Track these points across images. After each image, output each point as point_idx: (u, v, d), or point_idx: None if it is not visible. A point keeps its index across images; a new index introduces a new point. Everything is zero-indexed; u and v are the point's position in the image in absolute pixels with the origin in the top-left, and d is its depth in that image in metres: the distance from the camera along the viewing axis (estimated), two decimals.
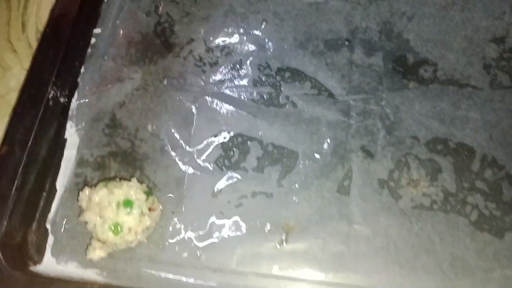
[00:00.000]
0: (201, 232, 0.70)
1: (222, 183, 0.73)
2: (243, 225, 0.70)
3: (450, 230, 0.68)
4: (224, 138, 0.76)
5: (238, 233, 0.70)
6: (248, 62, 0.82)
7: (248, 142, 0.76)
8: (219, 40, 0.84)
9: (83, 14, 0.85)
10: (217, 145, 0.76)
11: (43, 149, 0.75)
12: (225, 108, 0.78)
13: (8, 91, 0.82)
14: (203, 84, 0.80)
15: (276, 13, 0.85)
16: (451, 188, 0.71)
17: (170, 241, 0.70)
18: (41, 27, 0.87)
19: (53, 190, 0.74)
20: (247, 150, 0.75)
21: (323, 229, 0.69)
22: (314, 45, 0.82)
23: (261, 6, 0.86)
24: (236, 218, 0.71)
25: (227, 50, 0.83)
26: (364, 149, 0.74)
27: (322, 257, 0.68)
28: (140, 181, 0.72)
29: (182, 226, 0.71)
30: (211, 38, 0.84)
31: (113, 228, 0.65)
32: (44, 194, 0.74)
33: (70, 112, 0.79)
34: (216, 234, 0.70)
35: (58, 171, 0.75)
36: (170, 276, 0.68)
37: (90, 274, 0.68)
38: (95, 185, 0.70)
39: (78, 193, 0.70)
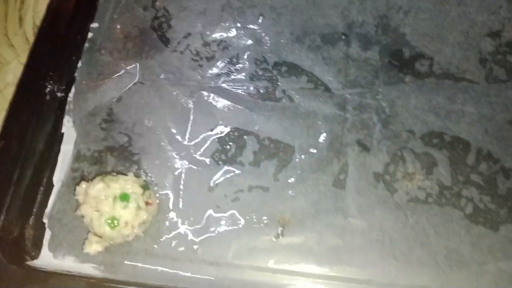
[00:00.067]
0: (197, 226, 0.71)
1: (218, 177, 0.73)
2: (239, 219, 0.71)
3: (445, 223, 0.69)
4: (221, 132, 0.76)
5: (235, 227, 0.70)
6: (245, 56, 0.82)
7: (245, 136, 0.76)
8: (216, 35, 0.84)
9: (80, 8, 0.85)
10: (213, 139, 0.76)
11: (40, 143, 0.75)
12: (222, 102, 0.78)
13: (5, 85, 0.82)
14: (200, 78, 0.80)
15: (273, 7, 0.85)
16: (446, 181, 0.71)
17: (167, 235, 0.70)
18: (38, 22, 0.87)
19: (50, 185, 0.74)
20: (244, 145, 0.75)
21: (319, 222, 0.70)
22: (311, 39, 0.82)
23: (258, 0, 0.86)
24: (233, 212, 0.71)
25: (224, 45, 0.83)
26: (360, 143, 0.74)
27: (318, 250, 0.69)
28: (137, 176, 0.72)
29: (179, 220, 0.71)
30: (208, 33, 0.84)
31: (109, 222, 0.65)
32: (41, 188, 0.74)
33: (67, 107, 0.79)
34: (213, 228, 0.70)
35: (55, 166, 0.75)
36: (167, 270, 0.68)
37: (87, 268, 0.68)
38: (92, 180, 0.71)
39: (75, 187, 0.71)
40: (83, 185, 0.69)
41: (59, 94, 0.79)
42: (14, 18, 0.89)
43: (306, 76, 0.79)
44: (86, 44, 0.84)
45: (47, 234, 0.71)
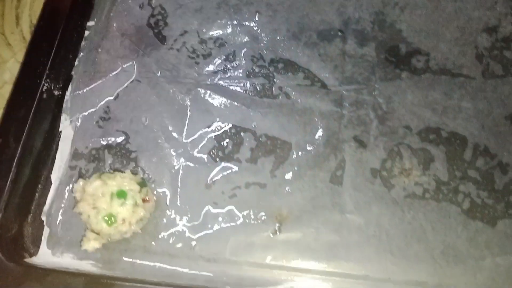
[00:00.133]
0: (195, 223, 0.71)
1: (216, 174, 0.74)
2: (236, 216, 0.71)
3: (442, 218, 0.69)
4: (218, 129, 0.76)
5: (232, 223, 0.71)
6: (241, 53, 0.82)
7: (242, 133, 0.76)
8: (213, 32, 0.84)
9: (77, 6, 0.85)
10: (210, 136, 0.76)
11: (38, 142, 0.76)
12: (219, 99, 0.78)
13: (2, 84, 0.82)
14: (196, 75, 0.80)
15: (269, 4, 0.85)
16: (443, 177, 0.71)
17: (165, 232, 0.70)
18: (35, 20, 0.87)
19: (48, 183, 0.74)
20: (241, 141, 0.75)
21: (316, 218, 0.70)
22: (307, 36, 0.82)
23: None
24: (230, 208, 0.71)
25: (220, 42, 0.83)
26: (356, 139, 0.74)
27: (315, 246, 0.69)
28: (135, 173, 0.73)
29: (177, 217, 0.71)
30: (204, 30, 0.84)
31: (106, 219, 0.65)
32: (39, 186, 0.74)
33: (64, 105, 0.79)
34: (210, 224, 0.71)
35: (53, 164, 0.75)
36: (165, 266, 0.69)
37: (85, 265, 0.69)
38: (89, 178, 0.71)
39: (73, 185, 0.71)
40: (81, 182, 0.70)
41: (56, 92, 0.79)
42: (11, 16, 0.89)
43: (303, 73, 0.79)
44: (83, 42, 0.85)
45: (45, 231, 0.71)
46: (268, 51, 0.82)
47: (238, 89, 0.79)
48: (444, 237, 0.68)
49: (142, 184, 0.70)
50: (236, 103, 0.78)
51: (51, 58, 0.80)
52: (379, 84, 0.77)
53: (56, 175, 0.75)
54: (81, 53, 0.84)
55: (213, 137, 0.76)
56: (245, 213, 0.71)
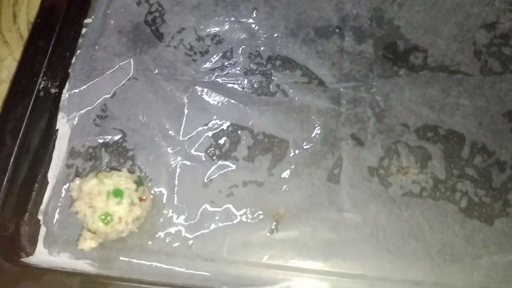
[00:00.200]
0: (192, 222, 0.71)
1: (213, 173, 0.73)
2: (233, 214, 0.71)
3: (440, 217, 0.69)
4: (215, 127, 0.76)
5: (229, 222, 0.70)
6: (239, 50, 0.82)
7: (239, 131, 0.76)
8: (210, 29, 0.84)
9: (74, 4, 0.85)
10: (207, 134, 0.76)
11: (35, 140, 0.75)
12: (216, 97, 0.78)
13: (0, 82, 0.82)
14: (193, 73, 0.80)
15: (267, 1, 0.85)
16: (440, 175, 0.71)
17: (161, 231, 0.70)
18: (32, 18, 0.87)
19: (45, 181, 0.74)
20: (238, 140, 0.75)
21: (313, 217, 0.70)
22: (305, 33, 0.82)
23: None
24: (227, 207, 0.71)
25: (217, 39, 0.83)
26: (354, 137, 0.74)
27: (312, 245, 0.69)
28: (132, 171, 0.73)
29: (173, 216, 0.71)
30: (202, 27, 0.84)
31: (103, 218, 0.65)
32: (36, 185, 0.74)
33: (61, 103, 0.79)
34: (207, 223, 0.71)
35: (50, 162, 0.75)
36: (162, 265, 0.69)
37: (82, 265, 0.69)
38: (86, 176, 0.71)
39: (70, 184, 0.71)
40: (77, 181, 0.70)
41: (53, 90, 0.79)
42: (8, 14, 0.89)
43: (300, 70, 0.79)
44: (80, 40, 0.84)
45: (42, 230, 0.71)
46: (265, 48, 0.81)
47: (235, 86, 0.79)
48: (441, 236, 0.68)
49: (139, 182, 0.70)
50: (233, 101, 0.78)
51: (48, 56, 0.80)
52: (377, 81, 0.77)
53: (53, 173, 0.75)
54: (78, 51, 0.83)
55: (210, 135, 0.76)
56: (242, 211, 0.71)
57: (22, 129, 0.74)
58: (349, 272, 0.67)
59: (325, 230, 0.69)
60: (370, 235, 0.69)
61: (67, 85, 0.80)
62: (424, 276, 0.66)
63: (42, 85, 0.78)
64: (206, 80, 0.79)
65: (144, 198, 0.69)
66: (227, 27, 0.83)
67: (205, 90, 0.79)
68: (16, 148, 0.73)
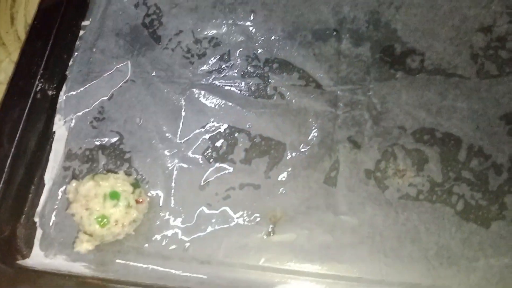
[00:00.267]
0: (188, 224, 0.71)
1: (210, 175, 0.73)
2: (230, 217, 0.71)
3: (436, 220, 0.69)
4: (212, 130, 0.76)
5: (226, 225, 0.70)
6: (236, 53, 0.82)
7: (236, 134, 0.76)
8: (207, 31, 0.84)
9: (72, 6, 0.85)
10: (204, 137, 0.76)
11: (31, 142, 0.76)
12: (213, 99, 0.78)
13: None
14: (191, 75, 0.80)
15: (264, 3, 0.85)
16: (437, 178, 0.71)
17: (158, 233, 0.70)
18: (30, 20, 0.87)
19: (41, 184, 0.74)
20: (235, 142, 0.75)
21: (309, 219, 0.70)
22: (302, 36, 0.82)
23: None
24: (224, 209, 0.71)
25: (215, 41, 0.83)
26: (351, 140, 0.74)
27: (308, 247, 0.69)
28: (128, 174, 0.73)
29: (170, 218, 0.71)
30: (199, 30, 0.84)
31: (99, 220, 0.65)
32: (33, 187, 0.74)
33: (58, 105, 0.79)
34: (204, 226, 0.71)
35: (47, 164, 0.75)
36: (158, 268, 0.68)
37: (78, 267, 0.69)
38: (83, 178, 0.71)
39: (66, 186, 0.71)
40: (74, 183, 0.70)
41: (50, 93, 0.79)
42: (5, 16, 0.89)
43: (298, 73, 0.79)
44: (77, 42, 0.84)
45: (38, 233, 0.71)
46: (263, 51, 0.81)
47: (232, 89, 0.79)
48: (437, 238, 0.68)
49: (136, 185, 0.70)
50: (230, 104, 0.78)
51: (45, 58, 0.80)
52: (374, 84, 0.77)
53: (49, 175, 0.75)
54: (76, 53, 0.83)
55: (207, 137, 0.76)
56: (239, 214, 0.71)
57: (19, 131, 0.74)
58: (346, 275, 0.67)
59: (322, 233, 0.69)
60: (366, 237, 0.68)
61: (64, 87, 0.81)
62: (421, 279, 0.66)
63: (39, 87, 0.78)
64: (203, 82, 0.80)
65: (140, 200, 0.69)
66: (224, 29, 0.84)
67: (203, 92, 0.79)
68: (12, 150, 0.73)
